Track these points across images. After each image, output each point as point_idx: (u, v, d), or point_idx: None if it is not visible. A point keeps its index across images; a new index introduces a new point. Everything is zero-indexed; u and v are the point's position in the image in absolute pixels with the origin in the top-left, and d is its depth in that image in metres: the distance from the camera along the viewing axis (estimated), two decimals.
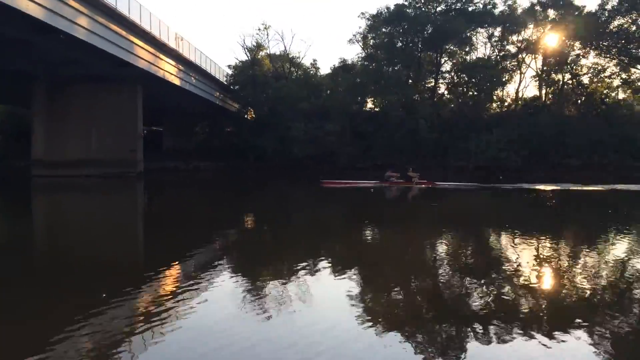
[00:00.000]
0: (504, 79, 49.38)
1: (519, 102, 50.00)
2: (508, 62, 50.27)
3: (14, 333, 4.87)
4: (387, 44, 52.60)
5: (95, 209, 19.20)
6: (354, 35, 58.35)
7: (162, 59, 37.19)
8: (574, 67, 47.39)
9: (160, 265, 7.61)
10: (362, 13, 64.56)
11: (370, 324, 5.11)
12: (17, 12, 22.68)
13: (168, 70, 38.54)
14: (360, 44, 56.75)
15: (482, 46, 52.17)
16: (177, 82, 40.48)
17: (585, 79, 47.98)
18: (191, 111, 53.32)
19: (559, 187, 27.74)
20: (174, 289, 6.45)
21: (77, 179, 36.25)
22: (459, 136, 45.04)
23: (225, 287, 6.41)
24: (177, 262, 8.12)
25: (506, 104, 50.67)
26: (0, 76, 36.23)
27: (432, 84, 52.84)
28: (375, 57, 53.81)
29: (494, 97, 50.11)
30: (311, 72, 59.21)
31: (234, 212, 17.27)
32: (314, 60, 78.92)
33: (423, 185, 27.14)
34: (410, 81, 50.93)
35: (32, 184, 35.04)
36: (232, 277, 7.04)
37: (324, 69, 65.57)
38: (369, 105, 55.23)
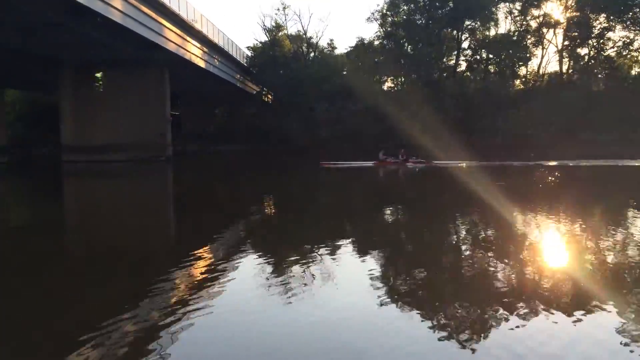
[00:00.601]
0: (526, 55, 48.81)
1: (544, 78, 49.43)
2: (530, 38, 49.59)
3: (47, 321, 4.86)
4: (407, 21, 52.01)
5: (129, 194, 19.13)
6: (372, 13, 58.03)
7: (188, 42, 36.89)
8: (601, 41, 46.66)
9: (191, 250, 7.62)
10: None
11: (392, 303, 5.10)
12: None
13: (194, 52, 38.26)
14: (379, 22, 56.06)
15: (502, 22, 51.47)
16: (202, 64, 40.22)
17: (611, 53, 47.30)
18: (210, 94, 53.00)
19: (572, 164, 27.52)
20: (203, 272, 6.45)
21: (107, 164, 36.20)
22: (485, 114, 44.67)
23: (250, 269, 6.44)
24: (207, 247, 8.09)
25: (530, 80, 49.99)
26: (27, 61, 35.97)
27: (453, 61, 52.29)
28: (396, 35, 53.21)
29: (518, 74, 49.50)
30: (328, 52, 58.66)
31: (261, 195, 17.22)
32: (331, 40, 77.95)
33: (420, 165, 27.40)
34: (432, 59, 50.31)
35: (62, 169, 35.04)
36: (257, 259, 7.09)
37: (340, 49, 64.57)
38: (389, 84, 54.86)
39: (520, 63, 48.45)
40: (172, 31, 33.88)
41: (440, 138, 45.79)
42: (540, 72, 50.18)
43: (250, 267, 6.64)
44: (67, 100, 37.51)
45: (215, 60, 43.30)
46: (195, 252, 7.50)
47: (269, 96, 55.04)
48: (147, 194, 19.38)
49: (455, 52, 52.13)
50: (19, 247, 8.76)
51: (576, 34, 48.00)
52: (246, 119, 53.37)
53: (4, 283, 6.37)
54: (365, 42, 55.95)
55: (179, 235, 9.98)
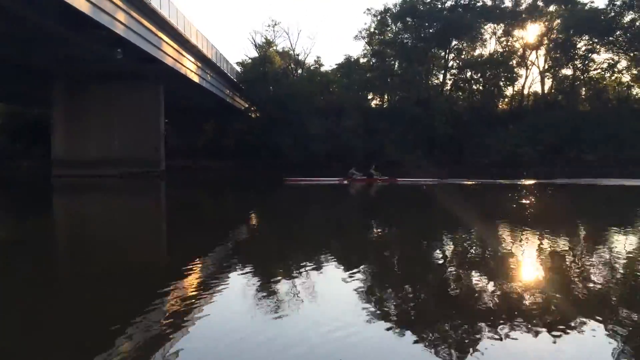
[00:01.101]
0: (512, 75, 50.01)
1: (529, 98, 50.65)
2: (514, 58, 50.85)
3: (41, 338, 4.78)
4: (395, 40, 52.84)
5: (121, 209, 18.71)
6: (359, 31, 58.69)
7: (184, 56, 36.63)
8: (586, 62, 48.14)
9: (180, 266, 7.62)
10: (368, 9, 64.59)
11: (380, 320, 5.10)
12: (64, 5, 22.05)
13: (189, 67, 37.99)
14: (366, 40, 56.82)
15: (488, 42, 52.69)
16: (196, 79, 39.95)
17: (595, 74, 48.80)
18: (199, 109, 52.57)
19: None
20: (193, 287, 6.46)
21: (99, 178, 35.50)
22: (474, 132, 45.43)
23: (238, 285, 6.47)
24: (197, 262, 8.05)
25: (516, 100, 51.16)
26: (19, 74, 35.22)
27: (440, 80, 53.26)
28: (384, 53, 53.97)
29: (505, 93, 50.65)
30: (315, 68, 58.96)
31: (254, 211, 17.20)
32: (318, 57, 78.42)
33: (386, 183, 27.29)
34: (421, 78, 51.10)
35: (53, 184, 34.14)
36: (245, 276, 7.09)
37: (326, 66, 64.87)
38: (377, 101, 55.45)
39: (508, 83, 49.54)
40: (170, 45, 33.62)
41: (430, 155, 46.56)
42: (525, 92, 51.42)
43: (237, 284, 6.60)
44: (59, 113, 36.81)
45: (208, 75, 43.09)
46: (184, 268, 7.44)
47: (257, 112, 54.86)
48: (140, 209, 19.02)
49: (443, 71, 53.15)
50: (5, 263, 8.50)
51: (558, 55, 49.46)
52: (235, 135, 53.02)
53: None
54: (352, 59, 56.70)
55: (170, 252, 9.82)
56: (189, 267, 7.53)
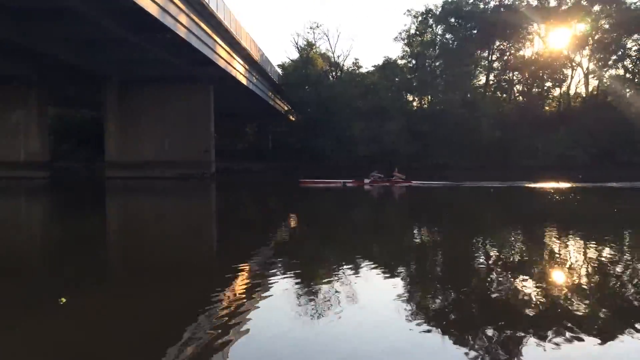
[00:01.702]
0: (558, 76, 49.10)
1: (577, 99, 49.61)
2: (560, 60, 49.85)
3: (89, 337, 4.83)
4: (437, 41, 52.42)
5: (174, 210, 19.00)
6: (399, 33, 58.32)
7: (235, 59, 36.85)
8: (637, 63, 46.99)
9: (228, 267, 7.69)
10: (409, 10, 63.98)
11: (419, 324, 5.04)
12: (135, 8, 22.30)
13: (239, 69, 38.22)
14: (405, 42, 56.37)
15: (532, 43, 51.69)
16: (244, 81, 40.16)
17: None
18: (242, 111, 52.89)
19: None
20: (238, 289, 6.49)
21: (151, 180, 35.86)
22: (522, 135, 44.66)
23: (281, 288, 6.47)
24: (244, 264, 8.00)
25: (564, 101, 50.12)
26: (74, 76, 35.87)
27: (484, 82, 52.54)
28: (425, 55, 53.57)
29: (552, 95, 49.72)
30: (353, 70, 58.71)
31: (299, 212, 17.32)
32: (356, 59, 78.36)
33: (404, 184, 27.54)
34: (465, 79, 50.46)
35: (106, 185, 34.60)
36: (287, 278, 7.09)
37: (364, 67, 64.39)
38: (416, 103, 54.93)
39: (554, 84, 48.63)
40: (223, 48, 33.86)
41: (476, 158, 45.93)
42: (572, 93, 50.35)
43: (280, 285, 6.58)
44: (112, 116, 37.29)
45: (254, 78, 43.28)
46: (231, 270, 7.51)
47: (297, 115, 54.91)
48: (192, 210, 19.25)
49: (486, 73, 52.45)
50: (61, 262, 8.56)
51: (604, 55, 48.36)
52: (276, 137, 53.20)
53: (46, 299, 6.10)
54: (391, 61, 56.34)
55: (218, 253, 9.94)
56: (235, 268, 7.55)
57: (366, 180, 28.04)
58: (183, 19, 26.91)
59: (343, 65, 58.11)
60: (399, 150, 45.86)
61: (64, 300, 5.72)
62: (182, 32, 26.87)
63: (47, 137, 37.31)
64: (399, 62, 56.03)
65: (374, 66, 56.33)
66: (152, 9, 23.19)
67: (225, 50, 34.50)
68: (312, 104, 50.15)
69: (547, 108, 48.85)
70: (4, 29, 25.45)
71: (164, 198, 24.78)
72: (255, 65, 42.19)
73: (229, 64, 35.75)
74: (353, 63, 59.44)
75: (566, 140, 42.07)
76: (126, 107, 37.30)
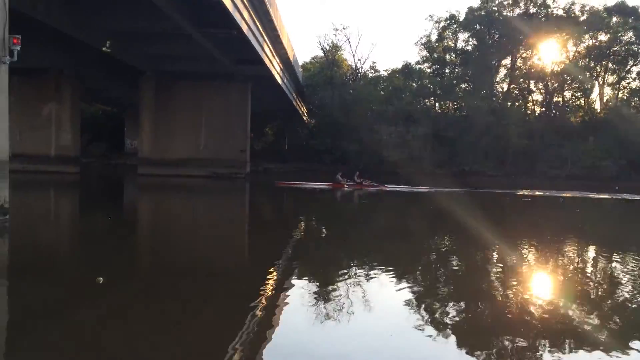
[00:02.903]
0: (583, 86, 49.52)
1: (603, 110, 49.99)
2: (583, 69, 50.25)
3: (117, 337, 4.93)
4: (462, 47, 52.55)
5: (206, 209, 19.32)
6: (420, 37, 58.13)
7: (275, 57, 36.19)
8: None
9: (256, 269, 8.14)
10: (430, 16, 63.95)
11: (431, 332, 5.13)
12: (213, 1, 21.62)
13: (276, 68, 37.57)
14: (425, 46, 56.23)
15: (557, 52, 51.92)
16: (279, 81, 39.50)
17: None
18: (264, 111, 52.07)
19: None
20: (261, 290, 6.74)
21: (184, 178, 34.97)
22: (549, 143, 44.86)
23: (298, 289, 6.76)
24: (268, 266, 8.32)
25: (591, 111, 50.43)
26: (113, 71, 34.85)
27: (508, 89, 52.61)
28: (447, 61, 53.66)
29: (578, 104, 50.06)
30: (371, 74, 58.44)
31: (325, 215, 18.09)
32: (374, 63, 78.03)
33: (373, 188, 28.54)
34: (491, 86, 50.50)
35: (138, 182, 33.80)
36: (305, 280, 7.48)
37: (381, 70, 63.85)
38: (438, 109, 54.85)
39: (580, 94, 49.02)
40: (268, 46, 33.20)
41: (501, 166, 46.01)
42: (597, 103, 50.83)
43: (298, 287, 6.91)
44: (147, 112, 36.28)
45: (285, 78, 42.65)
46: (258, 272, 7.82)
47: (317, 117, 54.32)
48: (223, 210, 19.54)
49: (509, 80, 52.59)
50: (92, 259, 8.68)
51: (625, 67, 48.97)
52: (298, 138, 52.57)
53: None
54: (410, 65, 56.24)
55: (248, 254, 10.33)
56: (262, 271, 7.83)
57: (345, 183, 29.19)
58: (246, 15, 26.22)
59: (362, 68, 57.80)
60: (424, 156, 45.68)
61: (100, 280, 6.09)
62: (245, 28, 26.18)
63: (79, 131, 36.07)
64: (417, 67, 56.06)
65: (388, 70, 56.22)
66: (228, 4, 22.49)
67: (269, 49, 33.86)
68: (336, 106, 49.69)
69: (572, 118, 48.99)
70: (58, 19, 24.42)
71: (196, 197, 24.72)
72: (288, 65, 41.58)
73: (271, 62, 35.09)
74: (370, 67, 59.05)
75: (595, 150, 42.32)
76: (161, 104, 36.30)
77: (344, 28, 52.22)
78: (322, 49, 54.65)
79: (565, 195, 26.36)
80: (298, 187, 29.06)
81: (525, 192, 29.71)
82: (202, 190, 29.69)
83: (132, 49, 31.23)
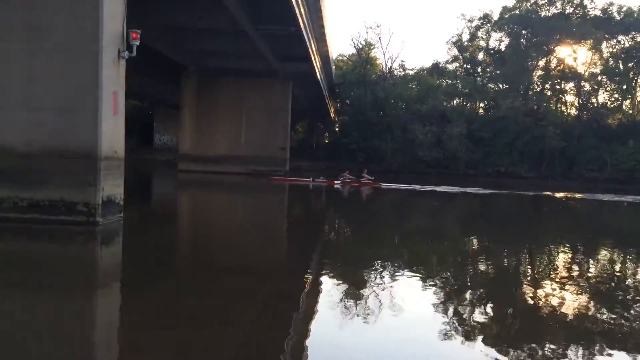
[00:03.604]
0: (622, 87, 48.83)
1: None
2: (620, 70, 49.48)
3: (160, 336, 4.93)
4: (496, 47, 51.98)
5: (247, 207, 19.53)
6: (452, 37, 57.61)
7: (317, 55, 35.82)
8: None
9: (289, 268, 8.27)
10: (463, 14, 63.41)
11: (457, 334, 5.13)
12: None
13: (317, 65, 37.19)
14: (455, 45, 55.63)
15: (594, 52, 51.16)
16: (319, 77, 39.15)
17: None
18: (296, 109, 51.72)
19: None
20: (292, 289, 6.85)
21: (225, 175, 34.64)
22: (588, 146, 44.24)
23: (326, 289, 6.86)
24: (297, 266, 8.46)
25: (633, 113, 49.59)
26: (154, 64, 34.47)
27: (544, 89, 51.89)
28: (480, 60, 53.15)
29: (617, 106, 49.34)
30: (399, 73, 57.87)
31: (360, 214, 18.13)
32: (402, 62, 77.50)
33: (370, 185, 29.06)
34: (528, 86, 49.87)
35: (178, 178, 33.56)
36: (333, 279, 7.56)
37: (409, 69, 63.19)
38: (468, 109, 54.29)
39: (618, 97, 48.33)
40: (314, 43, 32.84)
41: (538, 168, 45.44)
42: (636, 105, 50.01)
43: (325, 287, 7.00)
44: (188, 108, 35.98)
45: (322, 75, 42.29)
46: (291, 270, 7.98)
47: (352, 114, 53.83)
48: (263, 208, 19.65)
49: (543, 81, 51.89)
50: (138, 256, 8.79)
51: None
52: (329, 136, 52.23)
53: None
54: (440, 64, 55.78)
55: (283, 253, 10.36)
56: (293, 270, 7.99)
57: (336, 181, 29.57)
58: (303, 11, 25.85)
59: (392, 67, 57.28)
60: (459, 156, 45.19)
61: None
62: (302, 25, 25.82)
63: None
64: (448, 66, 55.63)
65: (414, 69, 55.67)
66: (294, 0, 22.15)
67: (315, 46, 33.51)
68: (369, 105, 49.27)
69: (610, 120, 48.25)
70: None
71: (236, 194, 24.78)
72: (326, 63, 41.22)
73: (314, 60, 34.74)
74: (399, 65, 58.61)
75: (636, 154, 41.68)
76: (203, 100, 35.99)
77: (377, 26, 51.61)
78: (355, 46, 54.21)
79: (627, 199, 25.81)
80: (302, 185, 29.38)
81: (562, 195, 29.26)
82: (244, 187, 29.60)
83: (179, 45, 30.93)
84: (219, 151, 36.11)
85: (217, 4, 22.32)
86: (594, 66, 49.71)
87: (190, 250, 10.00)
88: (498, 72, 50.87)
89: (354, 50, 56.27)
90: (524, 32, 50.26)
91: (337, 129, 53.53)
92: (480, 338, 5.09)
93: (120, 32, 10.51)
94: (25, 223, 9.94)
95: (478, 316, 5.98)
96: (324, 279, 7.70)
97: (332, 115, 56.62)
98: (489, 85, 51.42)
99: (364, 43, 52.37)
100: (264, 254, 9.57)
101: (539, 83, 51.70)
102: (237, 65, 34.56)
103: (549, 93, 50.95)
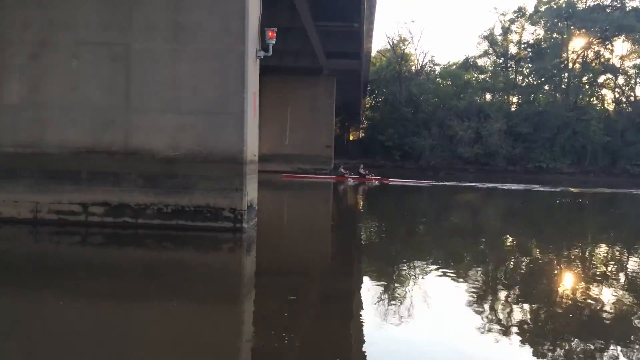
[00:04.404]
0: None
1: None
2: None
3: (222, 335, 4.83)
4: (532, 40, 51.27)
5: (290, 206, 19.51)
6: (484, 31, 56.93)
7: (362, 51, 35.34)
8: None
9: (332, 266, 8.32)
10: (495, 8, 62.71)
11: (495, 333, 5.04)
12: None
13: (363, 62, 36.74)
14: (487, 39, 54.94)
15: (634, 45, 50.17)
16: (361, 74, 38.75)
17: None
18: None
19: None
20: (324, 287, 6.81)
21: (270, 174, 34.27)
22: (633, 140, 43.55)
23: (364, 287, 6.88)
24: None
25: None
26: None
27: (577, 83, 51.12)
28: (514, 54, 52.50)
29: None
30: (430, 68, 57.25)
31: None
32: (432, 57, 76.74)
33: (377, 182, 28.68)
34: (570, 80, 49.04)
35: None
36: (370, 277, 7.61)
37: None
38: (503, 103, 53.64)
39: None
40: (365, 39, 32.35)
41: (580, 163, 44.80)
42: None
43: (365, 285, 7.06)
44: None
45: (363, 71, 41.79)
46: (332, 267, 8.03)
47: (386, 111, 53.40)
48: (309, 206, 19.60)
49: (580, 74, 51.10)
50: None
51: None
52: (363, 133, 51.84)
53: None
54: (471, 59, 55.11)
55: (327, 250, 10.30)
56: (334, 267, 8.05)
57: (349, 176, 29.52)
58: (365, 7, 25.42)
59: (424, 62, 56.71)
60: (499, 152, 44.66)
61: None
62: (364, 21, 25.44)
63: None
64: (478, 61, 54.99)
65: (440, 64, 55.02)
66: None
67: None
68: (403, 101, 48.80)
69: None
70: None
71: (283, 192, 24.53)
72: (366, 59, 40.77)
73: (364, 54, 34.34)
74: (429, 60, 57.89)
75: None
76: None
77: (412, 21, 51.13)
78: (389, 42, 53.64)
79: None
80: (311, 181, 29.39)
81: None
82: (293, 185, 29.34)
83: None
84: (264, 150, 35.42)
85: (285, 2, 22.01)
86: (634, 59, 48.86)
87: (326, 255, 9.69)
88: (533, 66, 50.09)
89: (383, 47, 56.12)
90: (561, 25, 49.50)
91: (362, 126, 53.05)
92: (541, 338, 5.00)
93: (257, 31, 10.16)
94: (169, 230, 9.59)
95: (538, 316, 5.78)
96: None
97: (363, 112, 56.20)
98: (526, 79, 50.65)
99: (398, 39, 51.84)
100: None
101: (577, 77, 50.89)
102: (282, 63, 34.08)
103: (587, 87, 50.17)
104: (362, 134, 55.53)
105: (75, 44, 9.55)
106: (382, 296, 6.33)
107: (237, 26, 9.37)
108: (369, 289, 6.78)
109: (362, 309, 5.72)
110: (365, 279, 7.80)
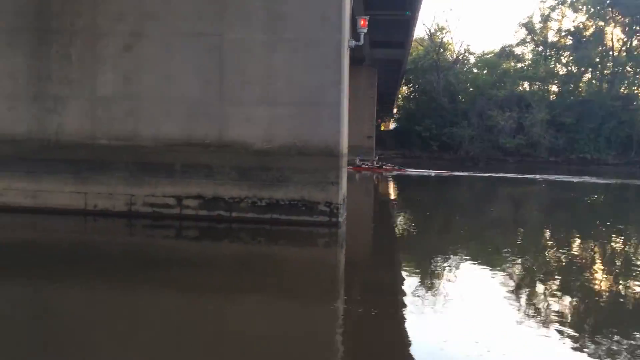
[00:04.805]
0: None
1: None
2: None
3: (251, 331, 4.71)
4: (573, 28, 49.86)
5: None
6: (524, 19, 55.59)
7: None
8: None
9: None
10: None
11: (535, 324, 4.98)
12: None
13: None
14: (525, 27, 53.62)
15: None
16: (404, 64, 38.19)
17: None
18: None
19: None
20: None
21: None
22: None
23: (400, 281, 6.67)
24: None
25: None
26: None
27: (621, 71, 49.63)
28: (554, 42, 51.23)
29: None
30: (465, 57, 56.19)
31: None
32: (468, 46, 75.49)
33: (395, 172, 28.95)
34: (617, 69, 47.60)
35: None
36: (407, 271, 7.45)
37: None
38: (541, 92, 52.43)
39: None
40: None
41: (625, 154, 43.59)
42: None
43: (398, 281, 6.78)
44: None
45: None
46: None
47: (424, 101, 52.68)
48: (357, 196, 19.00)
49: (626, 63, 49.56)
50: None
51: None
52: (396, 123, 51.30)
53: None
54: (508, 47, 53.88)
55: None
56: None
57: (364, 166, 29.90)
58: None
59: (461, 51, 55.69)
60: (542, 143, 43.67)
61: None
62: (418, 8, 24.90)
63: None
64: (515, 49, 53.75)
65: (476, 53, 53.86)
66: None
67: None
68: (441, 91, 48.03)
69: None
70: None
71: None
72: (407, 48, 40.14)
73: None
74: (465, 50, 56.81)
75: None
76: None
77: (450, 10, 50.12)
78: (427, 31, 52.80)
79: None
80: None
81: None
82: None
83: None
84: None
85: None
86: None
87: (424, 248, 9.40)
88: (574, 54, 48.73)
89: (418, 36, 55.12)
90: (604, 11, 48.06)
91: (394, 116, 52.39)
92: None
93: (350, 20, 9.88)
94: (263, 224, 9.43)
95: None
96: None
97: (397, 101, 55.64)
98: (566, 68, 49.36)
99: (436, 27, 50.95)
100: None
101: (622, 65, 49.39)
102: None
103: (632, 75, 48.65)
104: (392, 125, 54.92)
105: (169, 35, 9.39)
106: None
107: (335, 14, 9.09)
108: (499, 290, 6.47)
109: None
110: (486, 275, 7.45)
